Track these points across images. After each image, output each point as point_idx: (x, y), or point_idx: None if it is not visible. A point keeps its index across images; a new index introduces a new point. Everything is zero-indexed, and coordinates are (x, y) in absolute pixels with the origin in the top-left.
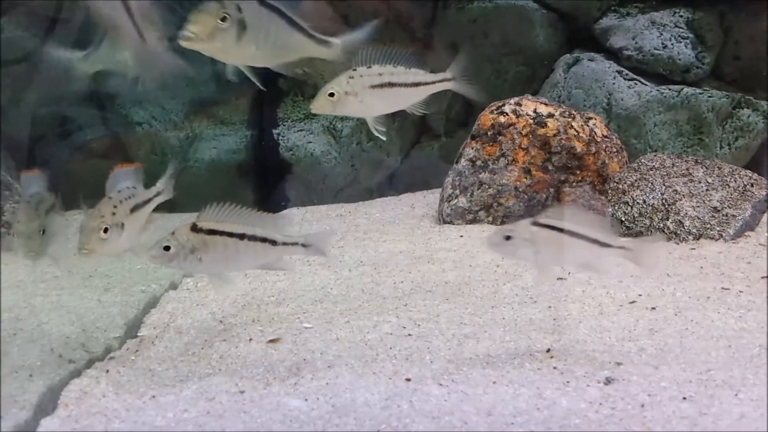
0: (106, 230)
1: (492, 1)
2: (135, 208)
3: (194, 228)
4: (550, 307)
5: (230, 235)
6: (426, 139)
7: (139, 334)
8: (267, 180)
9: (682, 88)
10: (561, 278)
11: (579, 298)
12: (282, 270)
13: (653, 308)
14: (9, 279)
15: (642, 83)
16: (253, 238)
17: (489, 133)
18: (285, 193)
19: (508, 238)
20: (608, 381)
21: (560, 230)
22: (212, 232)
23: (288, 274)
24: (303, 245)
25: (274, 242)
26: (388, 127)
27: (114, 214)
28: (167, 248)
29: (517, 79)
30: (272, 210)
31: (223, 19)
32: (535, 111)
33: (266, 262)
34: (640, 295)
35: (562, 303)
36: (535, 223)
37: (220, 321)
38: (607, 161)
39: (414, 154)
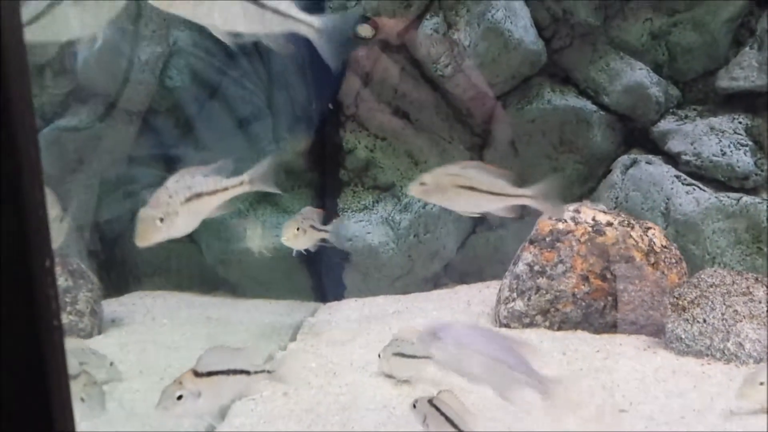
0: (161, 220)
1: (550, 102)
2: (195, 197)
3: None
4: None
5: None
6: (481, 229)
7: None
8: (326, 268)
9: (741, 197)
10: (623, 410)
11: None
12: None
13: None
14: None
15: (700, 189)
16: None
17: (547, 239)
18: (342, 281)
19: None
20: None
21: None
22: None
23: (351, 387)
24: (268, 371)
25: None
26: (446, 221)
27: (169, 204)
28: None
29: (574, 176)
30: (331, 296)
31: None
32: (593, 219)
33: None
34: None
35: None
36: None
37: None
38: (666, 272)
39: (469, 244)
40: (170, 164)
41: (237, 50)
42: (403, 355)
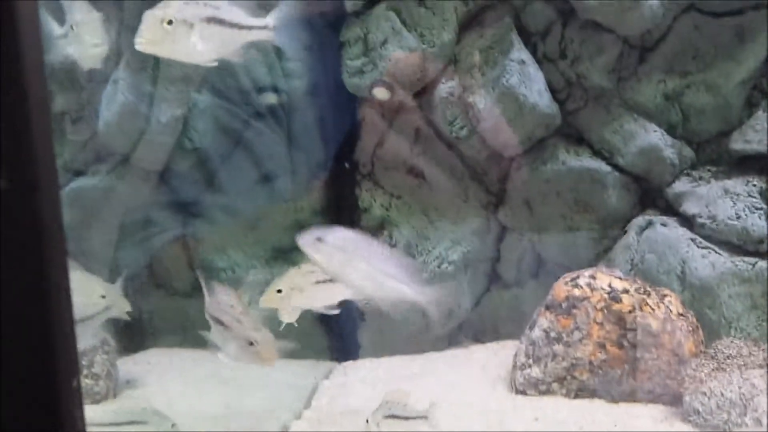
0: None
1: (565, 163)
2: None
3: None
4: None
5: None
6: (496, 288)
7: None
8: (341, 326)
9: (756, 261)
10: None
11: None
12: None
13: None
14: None
15: (716, 252)
16: None
17: (563, 305)
18: (357, 341)
19: None
20: None
21: None
22: None
23: None
24: None
25: None
26: (462, 279)
27: None
28: None
29: (589, 236)
30: (347, 355)
31: (170, 23)
32: (609, 285)
33: None
34: None
35: None
36: None
37: None
38: (682, 340)
39: (484, 302)
40: (187, 222)
41: (261, 109)
42: (395, 417)
